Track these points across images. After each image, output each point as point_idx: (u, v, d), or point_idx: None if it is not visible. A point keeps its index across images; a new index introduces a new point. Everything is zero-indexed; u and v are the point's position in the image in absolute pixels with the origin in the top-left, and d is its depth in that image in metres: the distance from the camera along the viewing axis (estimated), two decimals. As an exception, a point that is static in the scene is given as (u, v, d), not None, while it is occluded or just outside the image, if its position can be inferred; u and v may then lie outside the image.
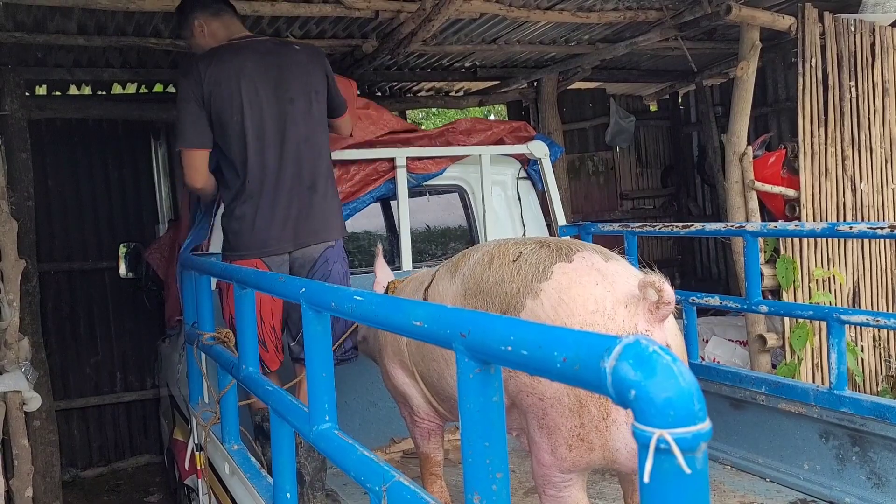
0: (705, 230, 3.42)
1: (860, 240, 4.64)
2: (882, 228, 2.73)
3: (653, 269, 1.96)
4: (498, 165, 4.25)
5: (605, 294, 1.95)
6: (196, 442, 3.47)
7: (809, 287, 4.48)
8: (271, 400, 2.12)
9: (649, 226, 3.71)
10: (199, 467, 3.47)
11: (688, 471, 0.69)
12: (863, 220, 4.69)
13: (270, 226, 3.06)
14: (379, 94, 6.62)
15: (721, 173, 6.55)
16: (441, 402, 2.54)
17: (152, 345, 5.51)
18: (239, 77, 3.00)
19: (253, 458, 2.66)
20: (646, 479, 0.70)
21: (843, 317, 2.92)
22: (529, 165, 4.35)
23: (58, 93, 5.62)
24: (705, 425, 0.71)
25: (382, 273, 3.20)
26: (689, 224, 3.47)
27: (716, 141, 6.74)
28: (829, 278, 4.58)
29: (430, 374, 2.46)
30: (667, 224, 3.64)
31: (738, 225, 3.16)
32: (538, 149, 4.23)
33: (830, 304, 4.47)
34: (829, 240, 4.52)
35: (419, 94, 6.75)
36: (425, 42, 4.54)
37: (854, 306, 4.64)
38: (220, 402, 2.80)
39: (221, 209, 3.33)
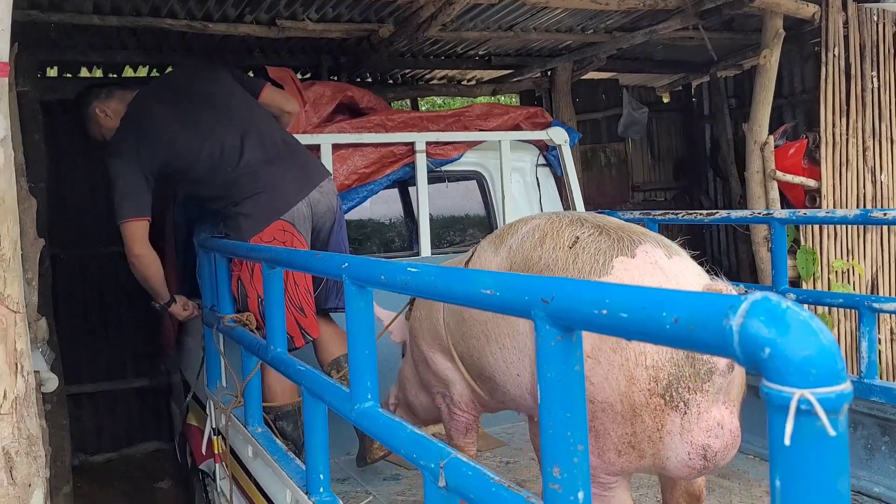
0: (731, 217, 3.38)
1: (879, 232, 4.61)
2: (918, 215, 2.68)
3: (716, 271, 1.89)
4: (517, 152, 4.20)
5: None
6: (214, 426, 3.43)
7: (829, 278, 4.44)
8: (305, 380, 2.07)
9: (672, 213, 3.66)
10: (216, 452, 3.43)
11: (832, 433, 0.65)
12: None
13: (283, 181, 3.09)
14: (391, 81, 6.57)
15: (734, 166, 6.52)
16: (482, 383, 2.48)
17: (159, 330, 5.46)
18: (171, 122, 3.09)
19: (279, 440, 2.62)
20: (787, 441, 0.66)
21: (876, 304, 2.88)
22: (548, 152, 4.30)
23: (69, 75, 5.56)
24: (847, 385, 0.67)
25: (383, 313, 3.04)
26: (714, 211, 3.43)
27: (729, 134, 6.70)
28: (848, 270, 4.54)
29: (471, 353, 2.40)
30: (690, 211, 3.60)
31: (765, 212, 3.12)
32: (558, 135, 4.19)
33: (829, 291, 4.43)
34: (849, 231, 4.49)
35: (431, 83, 6.69)
36: (445, 26, 4.49)
37: (872, 299, 4.60)
38: (244, 385, 2.75)
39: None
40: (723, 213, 3.36)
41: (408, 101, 7.14)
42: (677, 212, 3.57)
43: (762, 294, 0.74)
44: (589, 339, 1.91)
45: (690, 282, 1.92)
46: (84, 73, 5.64)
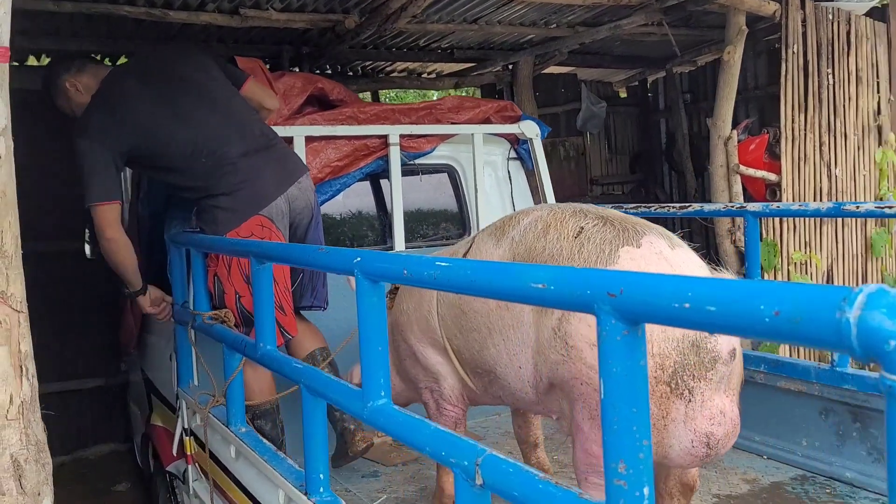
0: (704, 210, 3.43)
1: (834, 225, 4.76)
2: (891, 207, 2.77)
3: (717, 261, 1.91)
4: (488, 145, 4.19)
5: None
6: (186, 427, 3.33)
7: (789, 269, 4.57)
8: (305, 378, 2.02)
9: (645, 206, 3.70)
10: (189, 453, 3.34)
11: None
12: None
13: (262, 175, 3.01)
14: (351, 73, 6.48)
15: (689, 161, 6.66)
16: (476, 377, 2.46)
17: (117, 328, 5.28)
18: (146, 104, 2.98)
19: (266, 441, 2.55)
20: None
21: (848, 295, 2.96)
22: (519, 145, 4.30)
23: (16, 63, 5.31)
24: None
25: None
26: (687, 205, 3.48)
27: (684, 128, 6.83)
28: (806, 261, 4.68)
29: (470, 347, 2.37)
30: (663, 205, 3.64)
31: (738, 205, 3.18)
32: (529, 129, 4.19)
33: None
34: (807, 224, 4.62)
35: (392, 75, 6.63)
36: (415, 18, 4.44)
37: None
38: (228, 384, 2.67)
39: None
40: (696, 206, 3.42)
41: (368, 94, 7.06)
42: (650, 205, 3.61)
43: (876, 286, 0.73)
44: (594, 327, 1.91)
45: (693, 272, 1.94)
46: (32, 61, 5.40)
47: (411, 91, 12.64)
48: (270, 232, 2.93)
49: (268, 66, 5.59)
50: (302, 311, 3.31)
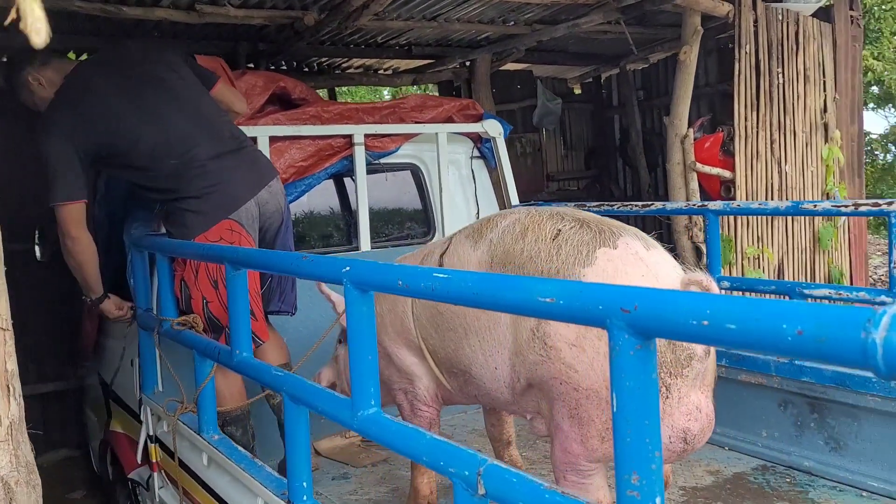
0: (666, 209, 3.51)
1: (785, 221, 4.91)
2: (846, 206, 2.87)
3: (696, 263, 1.95)
4: (452, 144, 4.20)
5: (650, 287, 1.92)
6: (151, 433, 3.27)
7: (743, 264, 4.70)
8: (287, 386, 2.00)
9: (607, 205, 3.76)
10: (154, 460, 3.27)
11: None
12: (787, 200, 4.96)
13: (233, 178, 2.95)
14: (307, 69, 6.41)
15: (643, 156, 6.78)
16: (451, 377, 2.47)
17: (71, 331, 5.13)
18: (112, 101, 2.90)
19: (242, 449, 2.52)
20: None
21: (806, 291, 3.06)
22: (482, 144, 4.32)
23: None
24: None
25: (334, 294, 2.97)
26: (650, 203, 3.55)
27: (638, 124, 6.95)
28: (758, 256, 4.82)
29: (446, 347, 2.38)
30: (626, 203, 3.71)
31: (699, 204, 3.26)
32: (493, 127, 4.21)
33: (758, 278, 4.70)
34: (759, 220, 4.76)
35: (348, 71, 6.58)
36: (377, 16, 4.41)
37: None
38: (199, 391, 2.62)
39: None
40: (658, 204, 3.49)
41: (325, 91, 6.99)
42: (612, 203, 3.67)
43: (897, 306, 0.76)
44: (573, 327, 1.95)
45: (668, 272, 1.99)
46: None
47: (362, 88, 12.57)
48: (240, 236, 2.88)
49: (226, 66, 5.50)
50: (270, 318, 3.28)
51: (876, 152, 15.32)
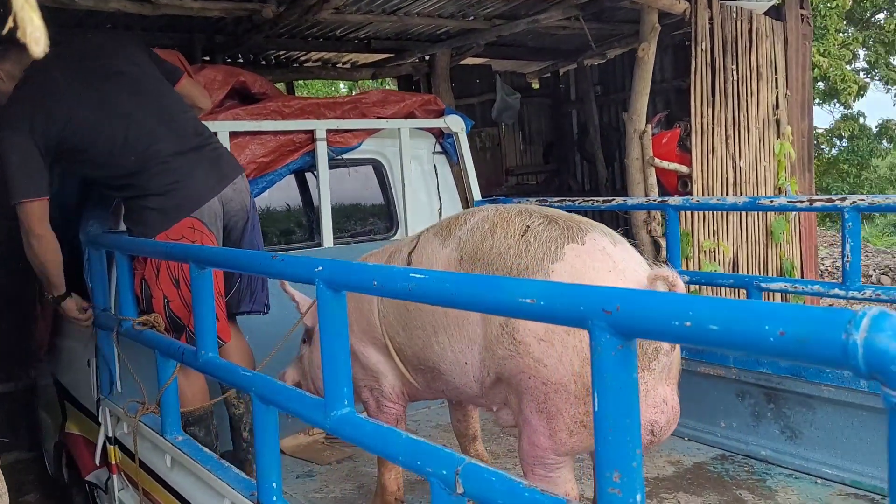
0: (627, 204, 3.56)
1: (739, 216, 5.02)
2: (802, 202, 2.95)
3: (655, 257, 1.99)
4: (414, 139, 4.18)
5: (616, 282, 1.94)
6: (110, 435, 3.20)
7: (699, 258, 4.79)
8: (256, 386, 1.98)
9: (569, 200, 3.79)
10: (113, 462, 3.21)
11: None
12: (741, 194, 5.07)
13: (195, 176, 2.90)
14: (264, 63, 6.32)
15: (600, 151, 6.86)
16: (418, 374, 2.47)
17: (22, 331, 4.99)
18: (73, 95, 2.83)
19: (207, 450, 2.49)
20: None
21: (763, 284, 3.14)
22: (444, 139, 4.32)
23: None
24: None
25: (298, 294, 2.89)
26: (611, 199, 3.59)
27: (596, 119, 7.03)
28: (714, 249, 4.92)
29: (413, 344, 2.38)
30: (587, 199, 3.75)
31: (660, 199, 3.31)
32: (455, 123, 4.21)
33: (715, 272, 4.80)
34: (716, 215, 4.85)
35: (307, 65, 6.51)
36: (337, 10, 4.37)
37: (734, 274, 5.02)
38: (162, 391, 2.58)
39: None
40: (619, 200, 3.53)
41: (283, 85, 6.90)
42: (574, 199, 3.71)
43: (878, 309, 0.79)
44: (541, 323, 1.97)
45: (635, 268, 2.03)
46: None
47: (318, 81, 12.46)
48: (202, 235, 2.84)
49: (184, 59, 5.40)
50: (239, 321, 3.23)
51: (822, 147, 15.77)
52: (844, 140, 15.93)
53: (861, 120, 15.60)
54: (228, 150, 3.43)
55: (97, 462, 3.34)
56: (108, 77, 2.89)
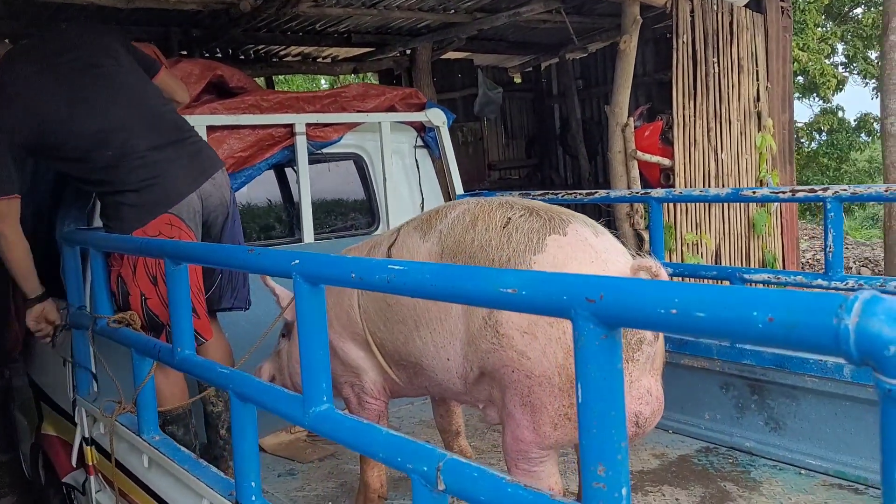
0: (610, 196, 3.54)
1: (722, 208, 5.02)
2: (784, 192, 2.94)
3: (639, 250, 1.97)
4: (395, 133, 4.14)
5: (598, 273, 1.91)
6: (87, 435, 3.14)
7: (682, 250, 4.79)
8: (234, 384, 1.93)
9: (552, 193, 3.77)
10: (90, 463, 3.15)
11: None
12: (723, 186, 5.07)
13: (173, 171, 2.83)
14: (243, 57, 6.24)
15: (583, 145, 6.84)
16: (399, 370, 2.43)
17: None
18: (48, 89, 2.75)
19: (185, 449, 2.43)
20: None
21: (746, 276, 3.13)
22: (425, 133, 4.28)
23: None
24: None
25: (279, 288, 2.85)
26: (594, 191, 3.57)
27: (578, 113, 7.01)
28: (697, 242, 4.92)
29: (395, 339, 2.34)
30: (570, 192, 3.73)
31: (643, 192, 3.29)
32: (436, 116, 4.17)
33: (698, 264, 4.80)
34: (698, 208, 4.85)
35: (286, 59, 6.44)
36: (316, 2, 4.31)
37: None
38: (139, 390, 2.53)
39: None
40: (601, 192, 3.51)
41: (262, 80, 6.82)
42: (557, 192, 3.68)
43: (870, 292, 0.76)
44: (525, 314, 1.94)
45: (617, 259, 2.01)
46: None
47: (299, 76, 12.37)
48: (180, 231, 2.78)
49: (158, 51, 5.33)
50: (219, 319, 3.18)
51: (802, 141, 15.89)
52: (824, 134, 16.06)
53: (840, 114, 15.73)
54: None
55: (74, 463, 3.27)
56: (83, 71, 2.82)
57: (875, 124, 15.37)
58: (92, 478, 3.17)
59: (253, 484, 1.96)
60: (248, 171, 3.64)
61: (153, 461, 2.55)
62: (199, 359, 2.19)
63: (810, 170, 15.95)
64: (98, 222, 3.10)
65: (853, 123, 15.88)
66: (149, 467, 2.59)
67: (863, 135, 16.07)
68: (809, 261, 10.60)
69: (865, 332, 0.73)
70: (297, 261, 1.59)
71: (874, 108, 16.43)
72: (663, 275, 1.87)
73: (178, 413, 2.94)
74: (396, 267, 1.33)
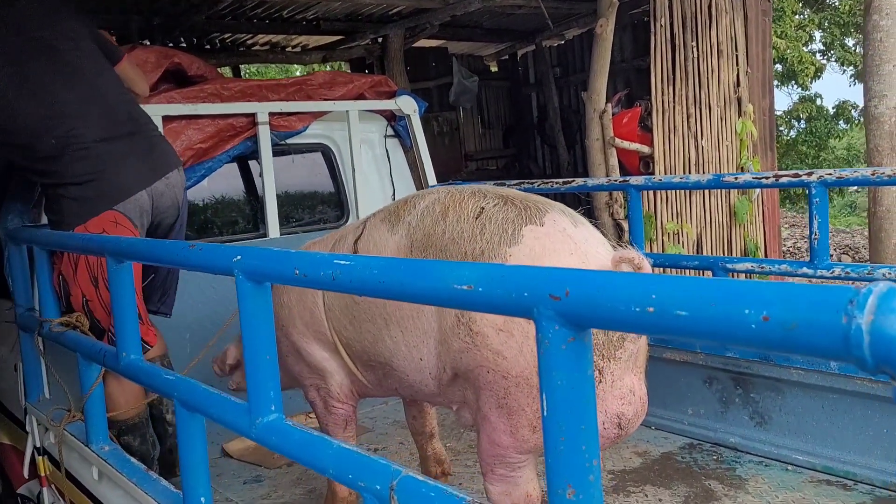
0: (588, 185, 3.41)
1: (702, 196, 4.92)
2: (767, 178, 2.83)
3: (618, 240, 1.84)
4: (364, 122, 3.99)
5: (578, 265, 1.79)
6: (38, 445, 2.98)
7: (663, 240, 4.68)
8: (178, 391, 1.78)
9: (528, 182, 3.64)
10: (42, 473, 2.99)
11: None
12: (703, 173, 4.96)
13: (122, 165, 2.67)
14: (208, 46, 6.05)
15: (561, 134, 6.72)
16: (368, 371, 2.29)
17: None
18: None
19: (134, 461, 2.28)
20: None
21: (729, 265, 3.02)
22: (396, 122, 4.13)
23: None
24: None
25: None
26: (571, 180, 3.44)
27: (555, 102, 6.88)
28: (678, 231, 4.81)
29: (363, 339, 2.20)
30: (547, 181, 3.60)
31: (621, 179, 3.17)
32: (407, 104, 4.02)
33: (679, 254, 4.70)
34: (679, 196, 4.74)
35: (253, 48, 6.25)
36: (282, -14, 4.14)
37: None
38: (86, 398, 2.37)
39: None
40: (579, 181, 3.38)
41: (228, 69, 6.63)
42: (533, 181, 3.56)
43: (887, 284, 0.62)
44: None
45: (597, 250, 1.88)
46: None
47: (272, 66, 12.16)
48: (125, 230, 2.61)
49: (113, 38, 5.13)
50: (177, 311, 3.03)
51: (781, 128, 15.88)
52: (802, 122, 16.07)
53: (818, 101, 15.73)
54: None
55: (26, 474, 3.11)
56: (38, 52, 2.64)
57: (853, 111, 15.40)
58: (45, 489, 3.01)
59: (203, 499, 1.81)
60: (207, 163, 3.48)
61: (103, 473, 2.40)
62: (145, 364, 2.04)
63: (790, 158, 15.94)
64: (45, 218, 2.94)
65: (831, 111, 15.89)
66: (99, 479, 2.44)
67: (841, 122, 16.09)
68: (791, 248, 10.57)
69: (883, 334, 0.60)
70: (239, 256, 1.45)
71: (852, 95, 16.50)
72: (646, 266, 1.75)
73: (134, 422, 2.79)
74: (342, 262, 1.19)
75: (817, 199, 2.69)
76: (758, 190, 5.04)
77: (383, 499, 1.16)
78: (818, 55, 16.41)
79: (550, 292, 0.86)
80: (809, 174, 2.70)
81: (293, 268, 1.30)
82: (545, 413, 0.90)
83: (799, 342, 0.65)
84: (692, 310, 0.72)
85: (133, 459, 2.30)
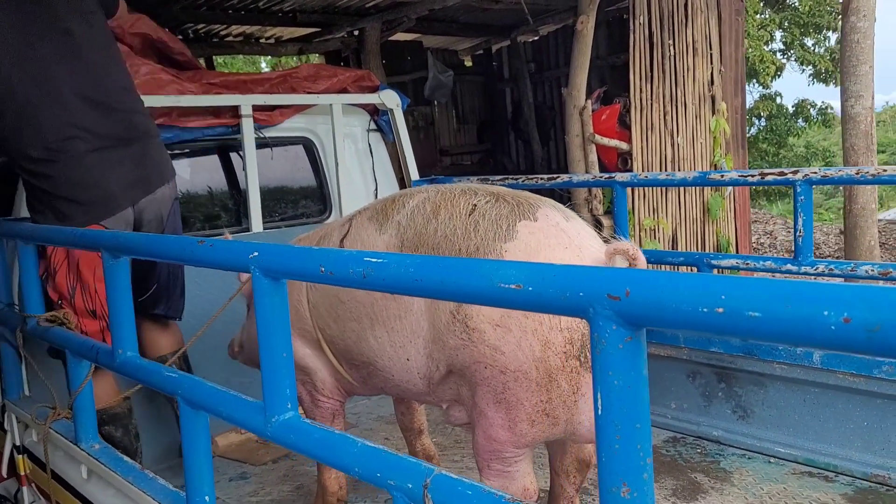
0: (573, 181, 3.43)
1: (678, 193, 4.98)
2: (753, 176, 2.87)
3: (611, 237, 1.86)
4: (347, 116, 3.96)
5: (573, 259, 1.80)
6: (18, 443, 2.90)
7: (640, 236, 4.73)
8: (182, 388, 1.75)
9: (511, 178, 3.64)
10: (22, 473, 2.91)
11: None
12: (678, 171, 5.03)
13: (111, 179, 2.58)
14: (181, 37, 5.93)
15: (536, 130, 6.74)
16: (352, 370, 2.27)
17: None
18: (9, 47, 2.47)
19: (128, 459, 2.23)
20: None
21: (714, 262, 3.06)
22: (379, 116, 4.11)
23: None
24: None
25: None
26: (556, 176, 3.46)
27: (530, 97, 6.90)
28: (653, 227, 4.87)
29: (346, 338, 2.18)
30: (531, 176, 3.61)
31: (607, 176, 3.19)
32: (390, 99, 4.00)
33: (659, 249, 4.76)
34: (655, 193, 4.80)
35: (227, 39, 6.15)
36: (260, -23, 4.08)
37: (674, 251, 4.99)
38: (76, 395, 2.31)
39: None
40: (564, 177, 3.40)
41: (202, 61, 6.52)
42: (517, 177, 3.56)
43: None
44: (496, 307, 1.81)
45: (591, 243, 1.90)
46: None
47: (239, 59, 11.99)
48: None
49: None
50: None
51: (743, 126, 16.15)
52: (763, 119, 16.37)
53: (778, 100, 16.04)
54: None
55: (4, 473, 3.03)
56: (52, 35, 2.51)
57: (812, 110, 15.73)
58: (24, 489, 2.93)
59: (207, 498, 1.79)
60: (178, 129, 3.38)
61: (93, 472, 2.34)
62: (143, 361, 1.99)
63: (751, 155, 16.25)
64: (23, 212, 2.85)
65: (791, 109, 16.22)
66: (87, 478, 2.39)
67: (800, 120, 16.43)
68: (754, 244, 10.78)
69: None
70: (256, 252, 1.42)
71: (810, 94, 16.84)
72: (641, 258, 1.77)
73: (115, 412, 2.73)
74: (375, 260, 1.18)
75: (802, 198, 2.74)
76: (730, 187, 5.13)
77: (416, 498, 1.16)
78: (778, 54, 16.73)
79: (609, 292, 0.86)
80: (795, 172, 2.75)
81: (318, 265, 1.28)
82: (599, 412, 0.91)
83: (883, 345, 0.66)
84: (766, 311, 0.73)
85: (126, 458, 2.25)
